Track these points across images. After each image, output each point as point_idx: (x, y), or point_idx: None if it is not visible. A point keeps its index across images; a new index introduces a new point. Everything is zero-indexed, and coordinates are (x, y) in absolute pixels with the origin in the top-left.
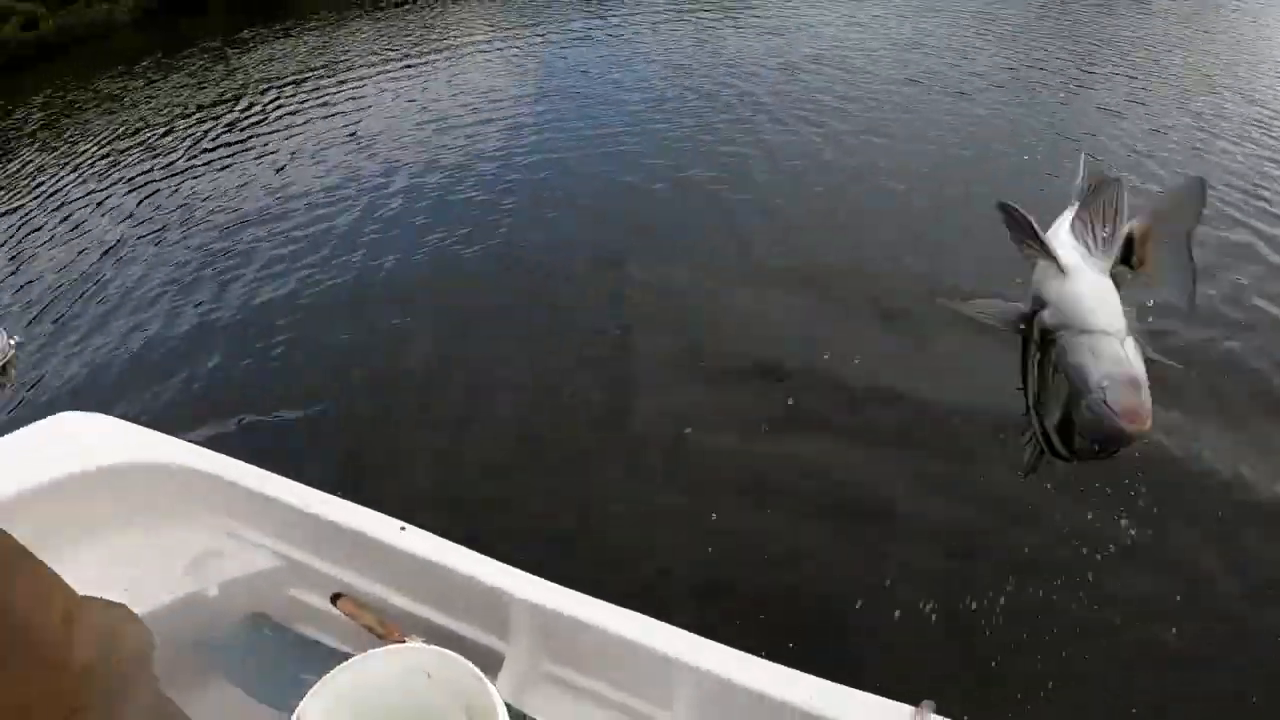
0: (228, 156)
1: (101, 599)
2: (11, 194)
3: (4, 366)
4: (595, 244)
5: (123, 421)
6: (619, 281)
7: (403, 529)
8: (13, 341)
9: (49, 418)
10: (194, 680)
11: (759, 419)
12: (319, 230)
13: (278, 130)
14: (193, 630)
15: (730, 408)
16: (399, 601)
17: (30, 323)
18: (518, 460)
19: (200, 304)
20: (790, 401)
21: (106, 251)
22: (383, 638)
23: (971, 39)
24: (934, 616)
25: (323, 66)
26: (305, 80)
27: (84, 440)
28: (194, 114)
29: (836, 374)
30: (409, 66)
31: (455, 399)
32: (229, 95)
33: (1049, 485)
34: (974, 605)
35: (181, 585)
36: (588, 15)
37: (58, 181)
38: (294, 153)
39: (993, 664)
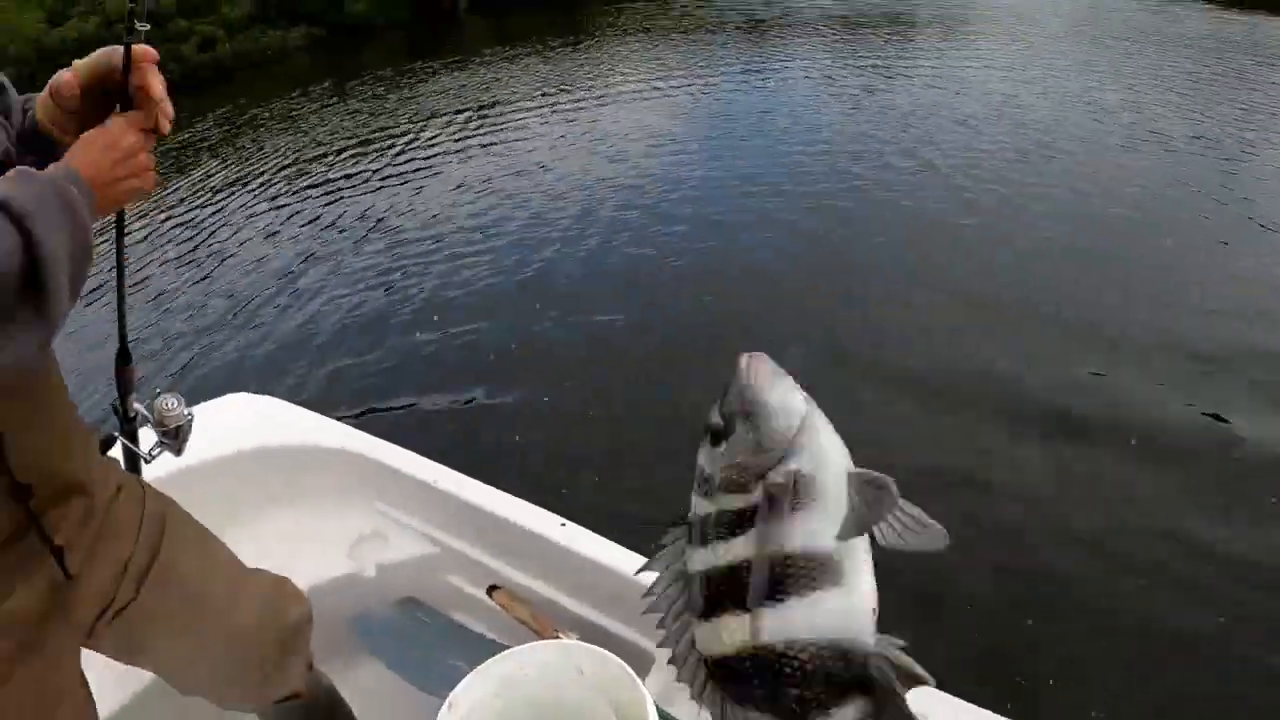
0: (397, 178)
1: (265, 571)
2: (193, 201)
3: (178, 430)
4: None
5: (290, 404)
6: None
7: (563, 524)
8: (187, 412)
9: (219, 398)
10: (347, 657)
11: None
12: (478, 249)
13: (444, 157)
14: (348, 609)
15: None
16: (553, 596)
17: (207, 312)
18: (668, 471)
19: (363, 304)
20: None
21: (279, 254)
22: (536, 632)
23: (1143, 96)
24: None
25: (491, 100)
26: (473, 112)
27: (252, 421)
28: (366, 137)
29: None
30: (575, 104)
31: (608, 406)
32: (400, 121)
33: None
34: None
35: (340, 565)
36: (753, 61)
37: (236, 191)
38: (459, 179)
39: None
